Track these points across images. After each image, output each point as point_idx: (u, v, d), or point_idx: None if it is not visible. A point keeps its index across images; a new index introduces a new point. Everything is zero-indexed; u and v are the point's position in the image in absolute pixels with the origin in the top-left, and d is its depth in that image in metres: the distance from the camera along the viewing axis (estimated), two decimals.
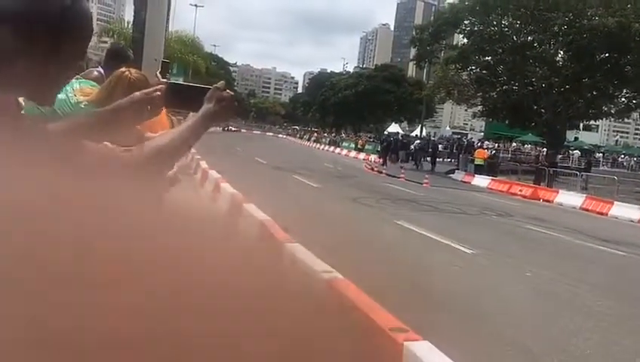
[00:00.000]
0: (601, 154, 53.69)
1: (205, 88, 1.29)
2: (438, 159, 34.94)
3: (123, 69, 2.46)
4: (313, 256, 5.05)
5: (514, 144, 49.25)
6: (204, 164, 12.80)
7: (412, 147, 37.98)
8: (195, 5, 62.00)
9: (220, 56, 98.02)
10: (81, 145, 1.04)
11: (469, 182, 26.58)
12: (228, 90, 1.30)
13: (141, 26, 12.07)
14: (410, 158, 36.23)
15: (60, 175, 0.81)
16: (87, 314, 0.56)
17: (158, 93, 1.34)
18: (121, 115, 1.37)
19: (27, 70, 0.93)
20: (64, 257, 0.60)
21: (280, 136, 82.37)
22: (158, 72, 4.41)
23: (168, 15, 11.38)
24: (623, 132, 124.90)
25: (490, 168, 28.55)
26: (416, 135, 48.98)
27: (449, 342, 3.16)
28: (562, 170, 29.44)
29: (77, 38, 1.00)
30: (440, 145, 43.17)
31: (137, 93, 1.37)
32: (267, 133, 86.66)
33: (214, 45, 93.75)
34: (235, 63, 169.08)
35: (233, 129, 77.91)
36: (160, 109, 1.44)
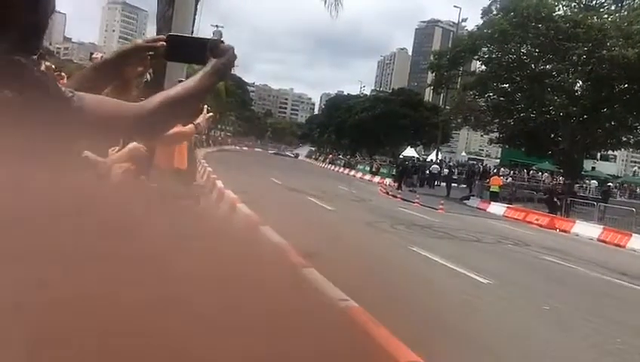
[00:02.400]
0: (612, 184, 52.68)
1: (205, 40, 1.31)
2: (453, 185, 34.81)
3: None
4: (328, 281, 5.01)
5: (530, 171, 48.84)
6: (219, 184, 12.84)
7: (427, 171, 37.97)
8: (216, 26, 62.99)
9: (239, 76, 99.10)
10: (82, 99, 1.00)
11: (485, 209, 26.37)
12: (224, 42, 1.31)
13: None
14: (425, 183, 36.16)
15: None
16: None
17: (162, 42, 1.34)
18: (124, 61, 1.37)
19: None
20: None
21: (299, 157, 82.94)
22: None
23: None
24: None
25: (553, 206, 26.24)
26: (432, 159, 48.88)
27: None
28: (579, 199, 29.13)
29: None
30: (455, 171, 43.03)
31: (140, 40, 1.38)
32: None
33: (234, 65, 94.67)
34: (253, 83, 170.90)
35: (290, 155, 79.21)
36: (161, 60, 1.44)
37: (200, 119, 3.49)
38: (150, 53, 1.35)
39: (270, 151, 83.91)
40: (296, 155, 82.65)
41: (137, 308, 0.62)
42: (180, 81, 1.39)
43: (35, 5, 0.92)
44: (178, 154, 4.35)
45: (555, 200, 26.40)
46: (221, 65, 1.24)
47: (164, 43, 1.33)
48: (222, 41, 1.29)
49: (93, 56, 6.07)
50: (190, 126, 3.43)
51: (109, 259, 0.65)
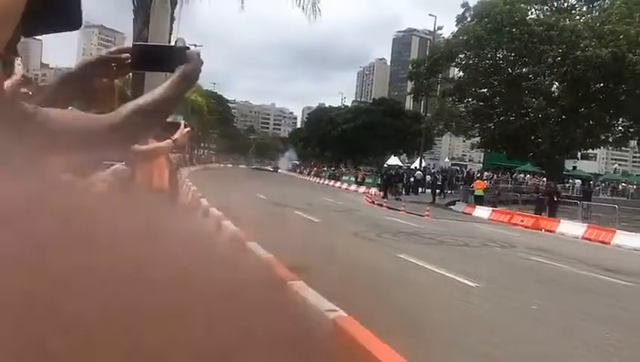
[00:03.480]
0: (593, 182, 53.16)
1: (170, 47, 1.30)
2: (437, 190, 34.94)
3: None
4: (317, 293, 4.99)
5: (514, 174, 49.19)
6: (204, 202, 12.76)
7: (412, 179, 38.06)
8: (195, 45, 63.01)
9: (219, 93, 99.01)
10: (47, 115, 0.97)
11: (470, 214, 26.53)
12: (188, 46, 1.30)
13: None
14: (410, 190, 36.26)
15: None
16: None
17: (126, 53, 1.32)
18: (88, 73, 1.35)
19: None
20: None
21: (280, 171, 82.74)
22: None
23: None
24: (621, 160, 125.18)
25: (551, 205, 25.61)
26: (416, 167, 49.10)
27: None
28: (562, 199, 29.41)
29: None
30: (439, 177, 43.18)
31: (104, 52, 1.35)
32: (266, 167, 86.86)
33: (213, 83, 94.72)
34: (234, 100, 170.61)
35: (270, 169, 78.47)
36: (127, 70, 1.42)
37: (177, 135, 3.44)
38: (114, 64, 1.34)
39: (252, 167, 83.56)
40: (276, 169, 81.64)
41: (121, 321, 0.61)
42: None
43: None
44: (157, 173, 4.21)
45: (547, 199, 26.67)
46: (189, 71, 1.24)
47: (130, 53, 1.32)
48: (187, 47, 1.29)
49: None
50: (168, 141, 3.39)
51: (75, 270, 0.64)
